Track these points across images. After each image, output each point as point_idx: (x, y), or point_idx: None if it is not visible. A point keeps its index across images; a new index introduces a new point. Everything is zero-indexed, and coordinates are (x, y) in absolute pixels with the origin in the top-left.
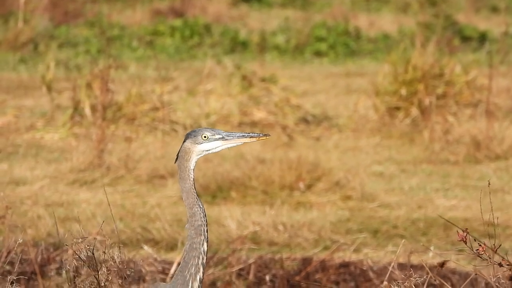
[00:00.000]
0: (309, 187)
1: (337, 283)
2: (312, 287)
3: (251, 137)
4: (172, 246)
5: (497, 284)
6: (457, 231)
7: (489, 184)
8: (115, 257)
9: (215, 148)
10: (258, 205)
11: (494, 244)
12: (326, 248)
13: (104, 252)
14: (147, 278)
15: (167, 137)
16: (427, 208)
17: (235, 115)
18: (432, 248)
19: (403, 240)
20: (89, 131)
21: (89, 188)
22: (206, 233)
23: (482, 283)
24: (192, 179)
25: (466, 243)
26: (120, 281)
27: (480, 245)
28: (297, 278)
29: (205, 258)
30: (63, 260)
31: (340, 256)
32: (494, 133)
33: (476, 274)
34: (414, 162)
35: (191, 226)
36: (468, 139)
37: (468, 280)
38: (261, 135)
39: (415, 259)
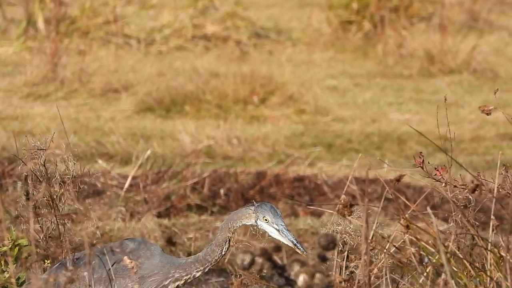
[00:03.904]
0: (263, 101)
1: (291, 197)
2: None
3: (297, 248)
4: (126, 160)
5: (454, 199)
6: (413, 156)
7: (445, 100)
8: (70, 170)
9: (268, 232)
10: (212, 119)
11: (450, 164)
12: (280, 162)
13: (56, 164)
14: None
15: (121, 50)
16: (381, 122)
17: (187, 28)
18: (386, 162)
19: (360, 154)
20: (43, 44)
21: (43, 102)
22: (207, 269)
23: (437, 197)
24: (230, 236)
25: (423, 169)
26: (74, 194)
27: (436, 169)
28: (252, 192)
29: (189, 280)
30: (17, 174)
31: (295, 170)
32: (448, 47)
33: (432, 190)
34: (368, 76)
35: (204, 254)
36: (422, 53)
37: (423, 195)
38: (305, 252)
39: (370, 174)
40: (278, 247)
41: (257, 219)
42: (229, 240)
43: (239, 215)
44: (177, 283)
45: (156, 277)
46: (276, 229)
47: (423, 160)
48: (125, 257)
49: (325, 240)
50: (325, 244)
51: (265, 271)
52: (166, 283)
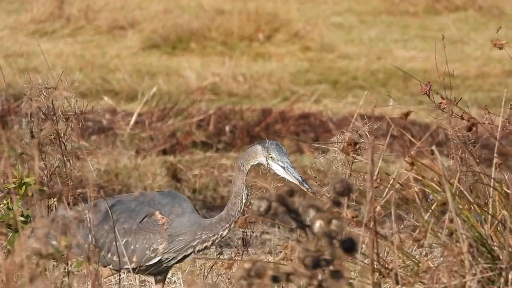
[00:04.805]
0: (268, 38)
1: (296, 134)
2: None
3: (303, 186)
4: (132, 97)
5: (456, 136)
6: (420, 84)
7: (443, 37)
8: (74, 107)
9: (273, 170)
10: (218, 56)
11: (454, 97)
12: (285, 99)
13: (62, 102)
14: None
15: None
16: (387, 59)
17: None
18: (391, 99)
19: (365, 91)
20: None
21: (49, 39)
22: (232, 224)
23: (441, 134)
24: (244, 179)
25: (429, 96)
26: (79, 131)
27: (442, 98)
28: (257, 129)
29: (217, 240)
30: (23, 111)
31: (300, 107)
32: None
33: (437, 127)
34: (374, 13)
35: (227, 210)
36: None
37: (429, 132)
38: (310, 190)
39: (375, 111)
40: (292, 192)
41: (264, 157)
42: (246, 187)
43: (246, 157)
44: (205, 244)
45: (184, 237)
46: (281, 166)
47: (429, 88)
48: (157, 212)
49: (341, 186)
50: (341, 190)
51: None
52: (194, 244)
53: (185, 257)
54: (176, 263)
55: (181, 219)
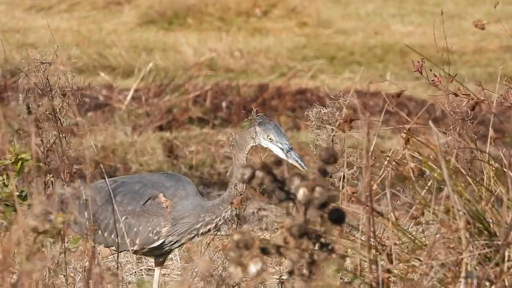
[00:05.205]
0: (265, 13)
1: (293, 109)
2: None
3: (302, 167)
4: (128, 73)
5: (452, 112)
6: (412, 61)
7: (442, 12)
8: (71, 83)
9: (272, 151)
10: (215, 32)
11: (449, 74)
12: (282, 74)
13: (59, 78)
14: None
15: None
16: (384, 34)
17: None
18: (389, 74)
19: (361, 69)
20: None
21: (46, 15)
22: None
23: (438, 110)
24: (244, 160)
25: (422, 73)
26: (76, 107)
27: (435, 76)
28: (254, 104)
29: (220, 222)
30: (20, 87)
31: (297, 83)
32: None
33: (433, 104)
34: None
35: (229, 192)
36: None
37: (424, 108)
38: (304, 167)
39: (372, 87)
40: (278, 161)
41: (263, 139)
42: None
43: (245, 138)
44: (208, 227)
45: (188, 220)
46: (280, 148)
47: (422, 65)
48: (161, 195)
49: (326, 154)
50: (326, 158)
51: (265, 185)
52: (197, 226)
53: (189, 240)
54: (180, 246)
55: (185, 202)
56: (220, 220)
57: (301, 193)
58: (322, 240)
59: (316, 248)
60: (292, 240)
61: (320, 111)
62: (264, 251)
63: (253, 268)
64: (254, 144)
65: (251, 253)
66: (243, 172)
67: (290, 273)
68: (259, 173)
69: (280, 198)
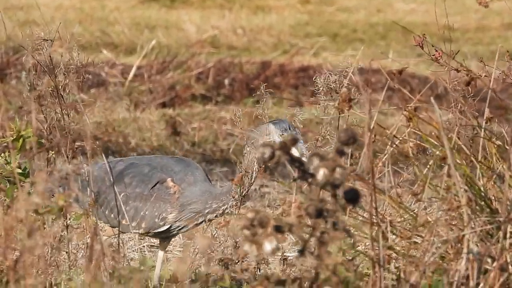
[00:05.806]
0: None
1: (296, 87)
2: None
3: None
4: (131, 50)
5: (453, 89)
6: (413, 37)
7: None
8: (74, 60)
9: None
10: (217, 9)
11: (451, 50)
12: (285, 52)
13: (61, 55)
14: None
15: None
16: (386, 12)
17: None
18: (391, 52)
19: (363, 46)
20: None
21: None
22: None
23: (441, 87)
24: (255, 155)
25: (423, 48)
26: (78, 84)
27: (436, 51)
28: (256, 82)
29: (227, 209)
30: (25, 64)
31: (299, 60)
32: None
33: (436, 81)
34: None
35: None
36: None
37: (428, 85)
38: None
39: (374, 64)
40: (296, 140)
41: (277, 136)
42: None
43: (260, 134)
44: (215, 214)
45: (195, 206)
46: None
47: (423, 40)
48: (169, 179)
49: (345, 135)
50: (346, 139)
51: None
52: (205, 212)
53: (196, 225)
54: (187, 231)
55: (193, 188)
56: (227, 208)
57: (321, 174)
58: (335, 219)
59: (329, 227)
60: (306, 219)
61: (328, 77)
62: (278, 229)
63: (268, 246)
64: (268, 141)
65: (266, 232)
66: (263, 151)
67: (301, 251)
68: (278, 153)
69: (297, 178)
